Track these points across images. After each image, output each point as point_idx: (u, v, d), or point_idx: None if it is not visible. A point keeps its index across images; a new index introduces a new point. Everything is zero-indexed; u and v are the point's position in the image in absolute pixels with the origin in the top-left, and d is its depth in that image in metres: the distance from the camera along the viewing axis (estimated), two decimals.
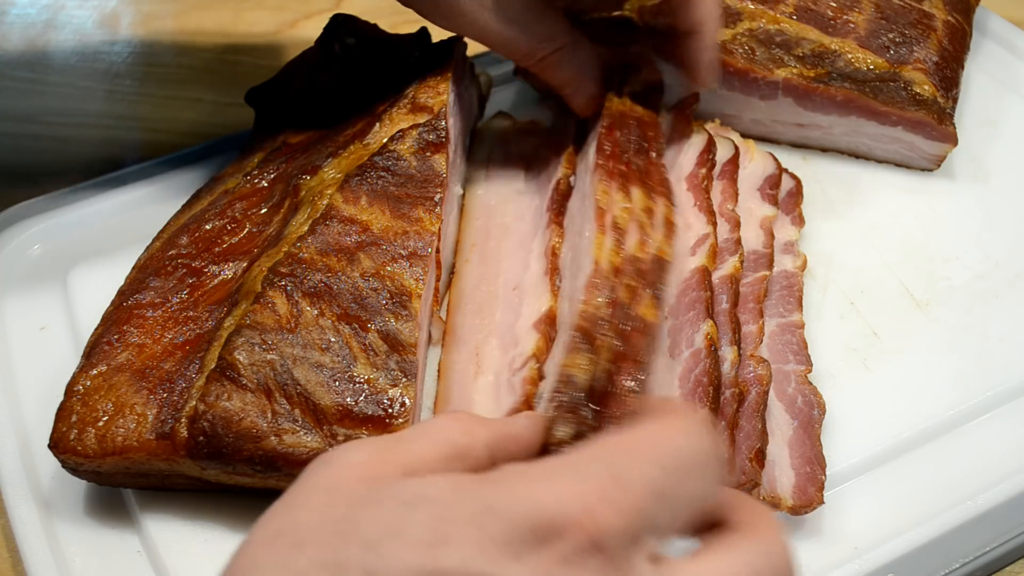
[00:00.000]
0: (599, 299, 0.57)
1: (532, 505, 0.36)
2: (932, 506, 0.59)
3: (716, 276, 0.65)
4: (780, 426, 0.60)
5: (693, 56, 0.70)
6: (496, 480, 0.38)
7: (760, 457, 0.57)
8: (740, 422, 0.59)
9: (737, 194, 0.70)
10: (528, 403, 0.57)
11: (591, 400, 0.54)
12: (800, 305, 0.67)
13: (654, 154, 0.69)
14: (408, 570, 0.35)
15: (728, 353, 0.61)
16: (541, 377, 0.59)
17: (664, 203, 0.65)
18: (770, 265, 0.68)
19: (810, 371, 0.63)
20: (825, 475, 0.58)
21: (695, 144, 0.72)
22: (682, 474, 0.39)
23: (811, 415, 0.60)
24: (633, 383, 0.55)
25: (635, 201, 0.64)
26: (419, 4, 0.65)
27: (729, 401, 0.58)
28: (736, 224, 0.68)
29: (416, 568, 0.35)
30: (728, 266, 0.65)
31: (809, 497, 0.57)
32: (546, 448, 0.52)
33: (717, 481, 0.41)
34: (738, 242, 0.67)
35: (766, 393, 0.60)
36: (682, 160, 0.72)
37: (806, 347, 0.64)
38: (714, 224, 0.67)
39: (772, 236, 0.69)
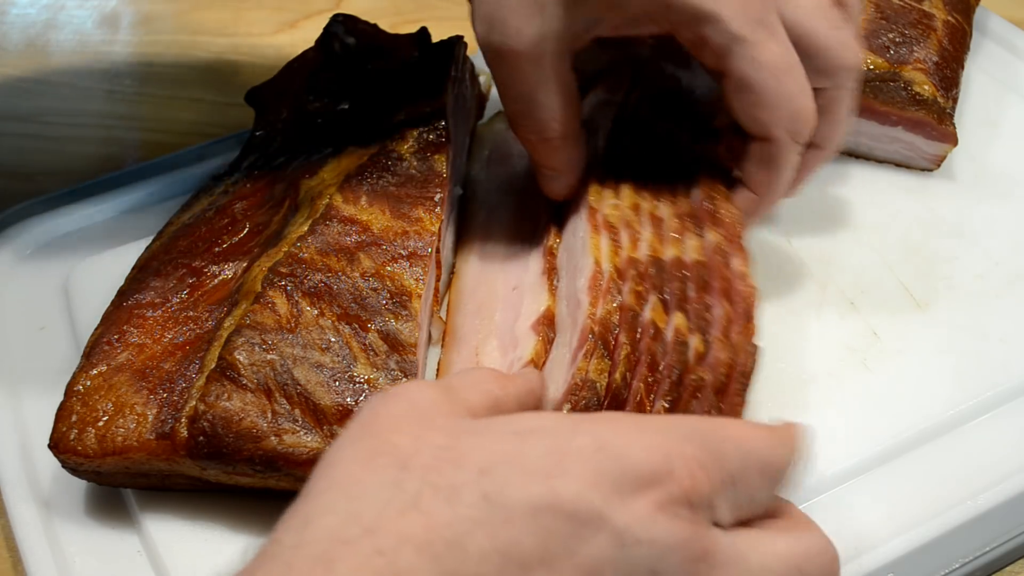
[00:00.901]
0: (611, 303, 0.57)
1: (642, 452, 0.39)
2: (932, 506, 0.59)
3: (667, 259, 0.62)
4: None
5: (746, 209, 0.63)
6: (607, 420, 0.41)
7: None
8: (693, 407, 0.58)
9: (679, 166, 0.67)
10: None
11: (613, 406, 0.55)
12: (741, 243, 0.62)
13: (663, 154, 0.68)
14: (527, 496, 0.36)
15: (692, 341, 0.58)
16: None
17: (649, 197, 0.64)
18: (714, 215, 0.63)
19: (751, 324, 0.59)
20: None
21: None
22: (756, 474, 0.42)
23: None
24: (661, 393, 0.55)
25: (623, 198, 0.64)
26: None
27: (687, 388, 0.56)
28: (677, 196, 0.64)
29: (535, 496, 0.36)
30: (690, 250, 0.61)
31: None
32: None
33: (778, 491, 0.44)
34: (683, 217, 0.63)
35: (725, 376, 0.56)
36: None
37: (751, 294, 0.60)
38: (671, 204, 0.64)
39: (707, 177, 0.65)
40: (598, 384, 0.55)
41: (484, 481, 0.36)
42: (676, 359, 0.57)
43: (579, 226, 0.64)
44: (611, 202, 0.64)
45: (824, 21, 0.58)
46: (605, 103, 0.73)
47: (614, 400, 0.55)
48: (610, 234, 0.61)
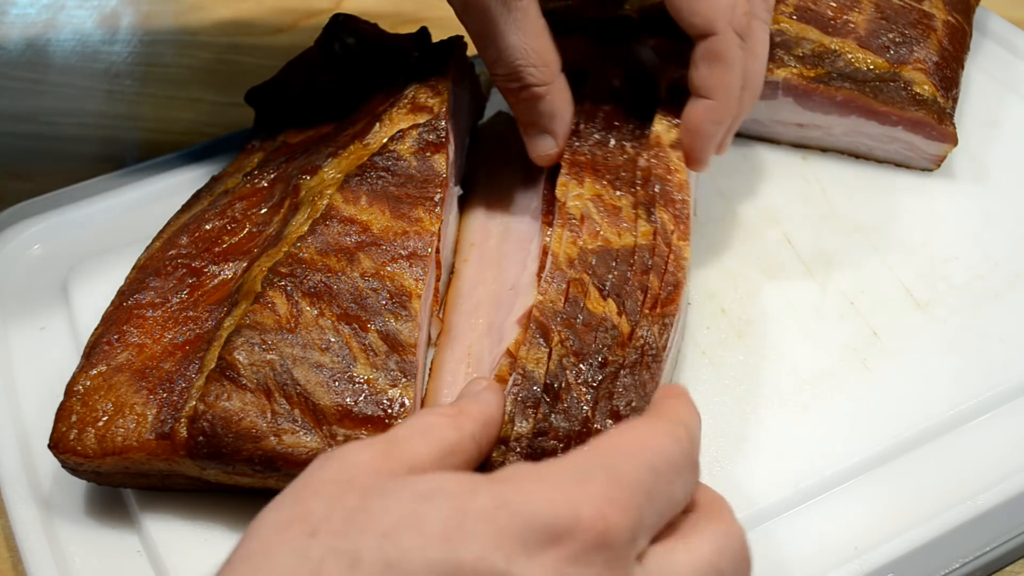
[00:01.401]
0: (552, 292, 0.57)
1: (545, 504, 0.37)
2: (932, 506, 0.59)
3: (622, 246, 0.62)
4: None
5: (692, 121, 0.63)
6: (507, 479, 0.39)
7: (618, 418, 0.55)
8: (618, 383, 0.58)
9: (636, 151, 0.67)
10: None
11: (547, 395, 0.55)
12: (682, 216, 0.63)
13: (626, 144, 0.68)
14: (427, 562, 0.35)
15: (623, 324, 0.58)
16: (511, 371, 0.59)
17: (608, 187, 0.64)
18: (665, 196, 0.63)
19: (674, 295, 0.59)
20: None
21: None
22: (669, 476, 0.41)
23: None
24: (587, 378, 0.55)
25: (585, 189, 0.64)
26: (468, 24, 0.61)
27: (610, 370, 0.57)
28: (634, 184, 0.65)
29: (436, 560, 0.35)
30: (641, 236, 0.62)
31: None
32: (504, 441, 0.53)
33: (693, 484, 0.43)
34: (637, 204, 0.63)
35: (638, 352, 0.57)
36: None
37: (680, 265, 0.60)
38: (631, 194, 0.64)
39: (655, 149, 0.66)
40: (535, 375, 0.55)
41: (386, 546, 0.36)
42: (603, 343, 0.57)
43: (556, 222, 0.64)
44: (575, 192, 0.64)
45: None
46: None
47: (550, 391, 0.55)
48: (569, 225, 0.62)
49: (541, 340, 0.56)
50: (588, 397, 0.55)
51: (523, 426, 0.54)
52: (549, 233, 0.64)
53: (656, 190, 0.64)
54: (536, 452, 0.54)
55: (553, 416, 0.54)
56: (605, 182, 0.65)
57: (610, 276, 0.59)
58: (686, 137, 0.64)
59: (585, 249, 0.61)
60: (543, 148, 0.65)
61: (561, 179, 0.65)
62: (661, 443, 0.41)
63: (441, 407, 0.51)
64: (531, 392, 0.55)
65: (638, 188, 0.65)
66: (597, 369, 0.56)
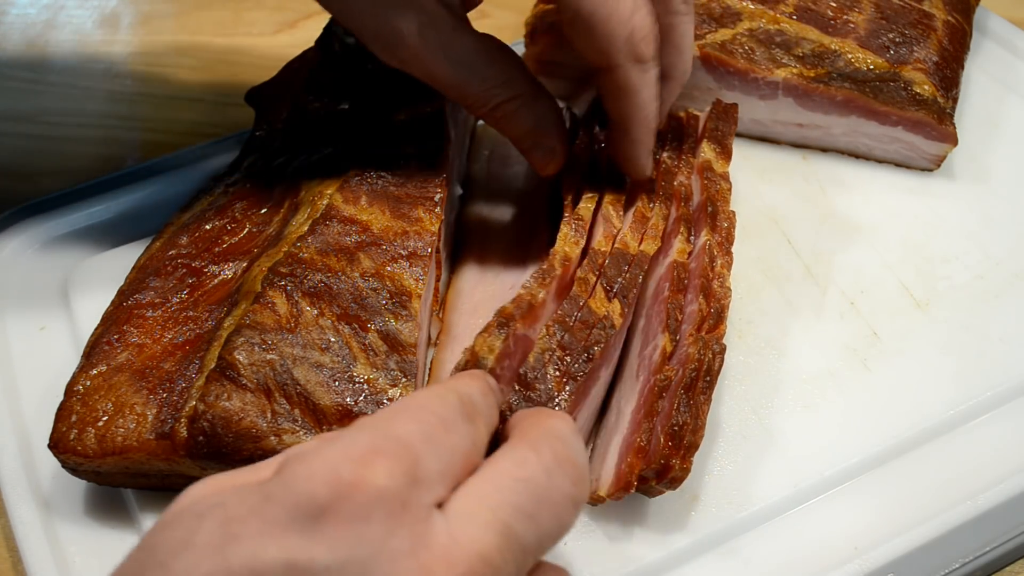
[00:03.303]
0: (537, 288, 0.57)
1: (306, 479, 0.36)
2: (932, 506, 0.59)
3: (664, 264, 0.63)
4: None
5: (619, 148, 0.63)
6: (277, 470, 0.38)
7: (673, 438, 0.55)
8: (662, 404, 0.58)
9: (691, 168, 0.68)
10: None
11: (519, 384, 0.54)
12: (729, 248, 0.64)
13: (665, 156, 0.68)
14: None
15: (660, 340, 0.59)
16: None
17: (641, 197, 0.64)
18: (715, 218, 0.64)
19: (720, 326, 0.60)
20: (696, 438, 0.55)
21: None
22: (442, 425, 0.40)
23: (696, 382, 0.57)
24: (571, 370, 0.55)
25: (601, 194, 0.64)
26: (360, 30, 0.59)
27: (652, 388, 0.57)
28: (682, 200, 0.66)
29: (208, 574, 0.35)
30: (673, 252, 0.63)
31: (674, 472, 0.55)
32: None
33: (475, 432, 0.42)
34: (678, 220, 0.64)
35: (694, 372, 0.57)
36: None
37: (727, 295, 0.61)
38: (664, 203, 0.65)
39: (704, 176, 0.67)
40: (486, 362, 0.53)
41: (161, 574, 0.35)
42: (596, 340, 0.56)
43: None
44: (588, 195, 0.64)
45: None
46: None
47: (523, 384, 0.54)
48: (577, 226, 0.61)
49: (498, 329, 0.54)
50: (568, 389, 0.54)
51: None
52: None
53: (705, 211, 0.64)
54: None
55: (522, 404, 0.53)
56: (633, 191, 0.65)
57: (620, 279, 0.59)
58: (616, 158, 0.64)
59: (596, 250, 0.60)
60: (542, 158, 0.64)
61: (568, 179, 0.65)
62: (424, 399, 0.41)
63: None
64: None
65: (672, 202, 0.66)
66: (583, 363, 0.55)
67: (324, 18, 0.76)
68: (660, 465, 0.55)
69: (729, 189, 0.66)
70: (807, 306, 0.70)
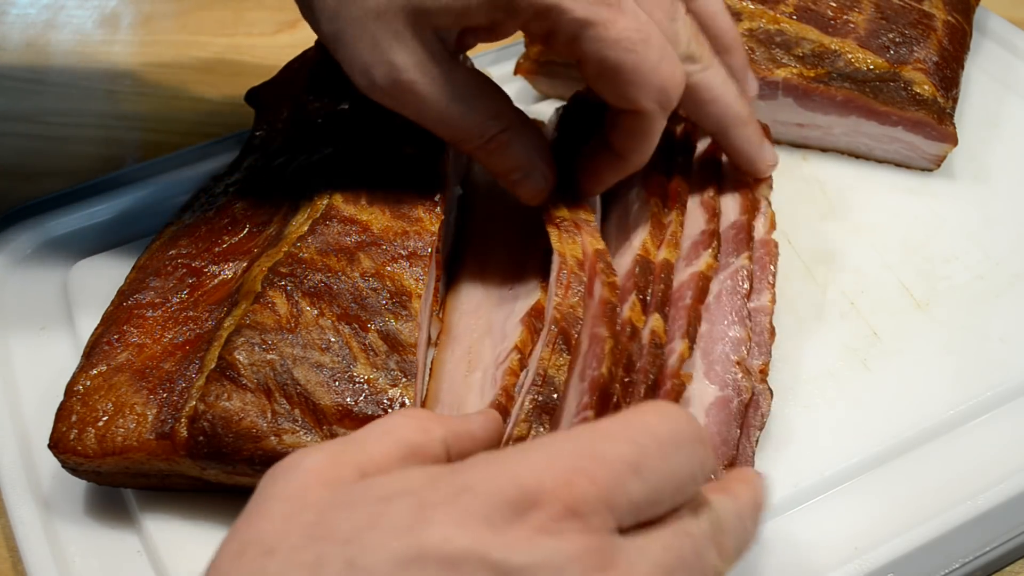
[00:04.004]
0: (574, 295, 0.57)
1: (509, 479, 0.37)
2: (932, 506, 0.59)
3: (687, 272, 0.63)
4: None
5: (611, 172, 0.63)
6: (470, 465, 0.38)
7: (731, 466, 0.57)
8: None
9: (718, 182, 0.69)
10: (508, 393, 0.57)
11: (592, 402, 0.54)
12: (773, 281, 0.65)
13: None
14: (391, 554, 0.35)
15: (678, 345, 0.59)
16: (523, 367, 0.59)
17: (655, 201, 0.65)
18: (749, 240, 0.65)
19: (767, 364, 0.62)
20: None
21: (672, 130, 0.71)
22: (657, 449, 0.39)
23: (753, 417, 0.59)
24: (625, 391, 0.55)
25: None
26: (351, 63, 0.58)
27: (668, 392, 0.57)
28: (713, 214, 0.66)
29: (399, 551, 0.35)
30: (700, 263, 0.63)
31: None
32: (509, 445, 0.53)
33: (702, 461, 0.41)
34: (712, 234, 0.65)
35: (746, 404, 0.59)
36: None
37: (772, 335, 0.63)
38: (679, 211, 0.66)
39: (747, 199, 0.68)
40: (557, 380, 0.54)
41: (348, 549, 0.35)
42: (651, 362, 0.57)
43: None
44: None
45: (658, 11, 0.58)
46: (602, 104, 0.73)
47: (603, 396, 0.54)
48: (570, 228, 0.62)
49: (563, 346, 0.55)
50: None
51: (540, 432, 0.53)
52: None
53: (747, 238, 0.66)
54: None
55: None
56: (647, 192, 0.65)
57: (649, 289, 0.59)
58: (582, 173, 0.64)
59: (598, 250, 0.61)
60: (532, 188, 0.63)
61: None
62: (645, 420, 0.40)
63: (416, 409, 0.50)
64: (550, 399, 0.54)
65: (703, 213, 0.66)
66: (649, 388, 0.56)
67: None
68: None
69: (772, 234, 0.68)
70: (807, 306, 0.70)
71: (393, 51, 0.56)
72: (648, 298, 0.59)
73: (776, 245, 0.67)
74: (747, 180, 0.69)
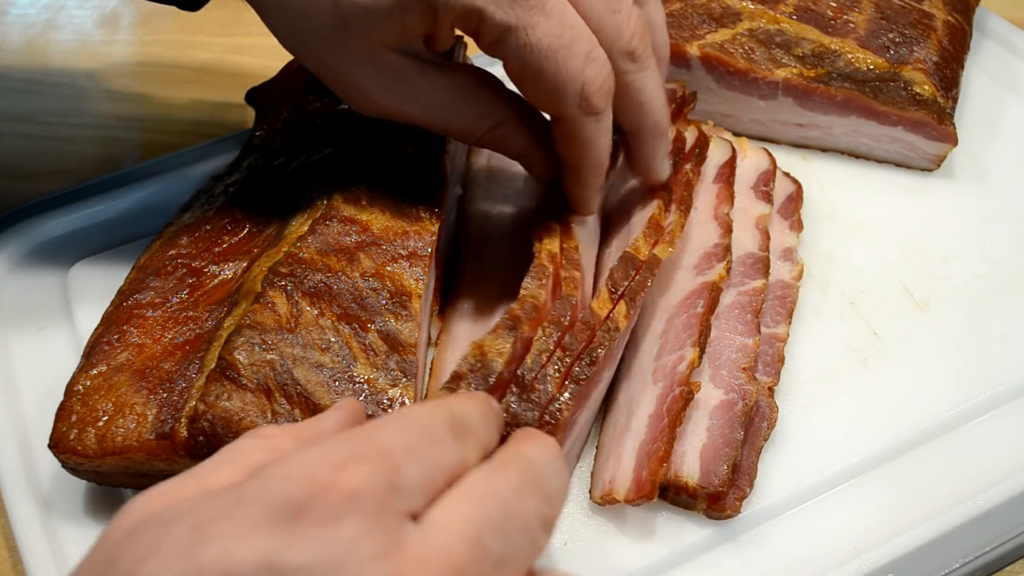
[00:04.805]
0: (537, 289, 0.56)
1: (282, 481, 0.36)
2: (932, 506, 0.59)
3: (698, 281, 0.64)
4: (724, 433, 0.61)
5: (570, 187, 0.62)
6: (250, 476, 0.38)
7: (734, 469, 0.58)
8: (689, 415, 0.59)
9: (732, 197, 0.70)
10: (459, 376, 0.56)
11: (515, 385, 0.53)
12: (789, 318, 0.66)
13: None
14: None
15: (688, 353, 0.60)
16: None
17: (657, 204, 0.65)
18: (766, 272, 0.67)
19: (775, 384, 0.63)
20: (750, 489, 0.58)
21: (687, 141, 0.72)
22: (431, 430, 0.39)
23: (758, 427, 0.60)
24: (574, 373, 0.54)
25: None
26: (328, 84, 0.59)
27: (677, 398, 0.58)
28: (728, 229, 0.67)
29: (179, 573, 0.34)
30: (713, 273, 0.65)
31: (727, 506, 0.57)
32: None
33: (488, 427, 0.42)
34: (727, 248, 0.66)
35: (750, 408, 0.60)
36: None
37: (780, 361, 0.64)
38: (683, 213, 0.65)
39: (767, 237, 0.69)
40: (495, 365, 0.53)
41: None
42: (600, 343, 0.56)
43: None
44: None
45: (600, 2, 0.56)
46: None
47: (520, 385, 0.53)
48: (550, 225, 0.62)
49: (507, 332, 0.54)
50: (569, 391, 0.54)
51: None
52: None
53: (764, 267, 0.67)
54: None
55: (520, 405, 0.53)
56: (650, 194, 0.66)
57: (626, 282, 0.59)
58: (565, 192, 0.63)
59: (565, 248, 0.61)
60: (536, 170, 0.63)
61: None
62: (413, 412, 0.41)
63: (264, 427, 0.47)
64: (484, 381, 0.52)
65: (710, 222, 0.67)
66: (587, 366, 0.55)
67: None
68: (716, 492, 0.56)
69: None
70: (807, 306, 0.70)
71: (359, 78, 0.57)
72: (620, 290, 0.59)
73: (798, 290, 0.68)
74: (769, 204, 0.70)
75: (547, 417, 0.53)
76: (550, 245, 0.60)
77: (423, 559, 0.36)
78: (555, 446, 0.44)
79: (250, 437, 0.42)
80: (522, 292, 0.56)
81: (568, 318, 0.56)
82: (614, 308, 0.57)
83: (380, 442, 0.38)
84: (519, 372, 0.54)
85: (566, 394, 0.54)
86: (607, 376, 0.60)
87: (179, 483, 0.39)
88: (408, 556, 0.36)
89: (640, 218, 0.65)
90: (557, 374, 0.54)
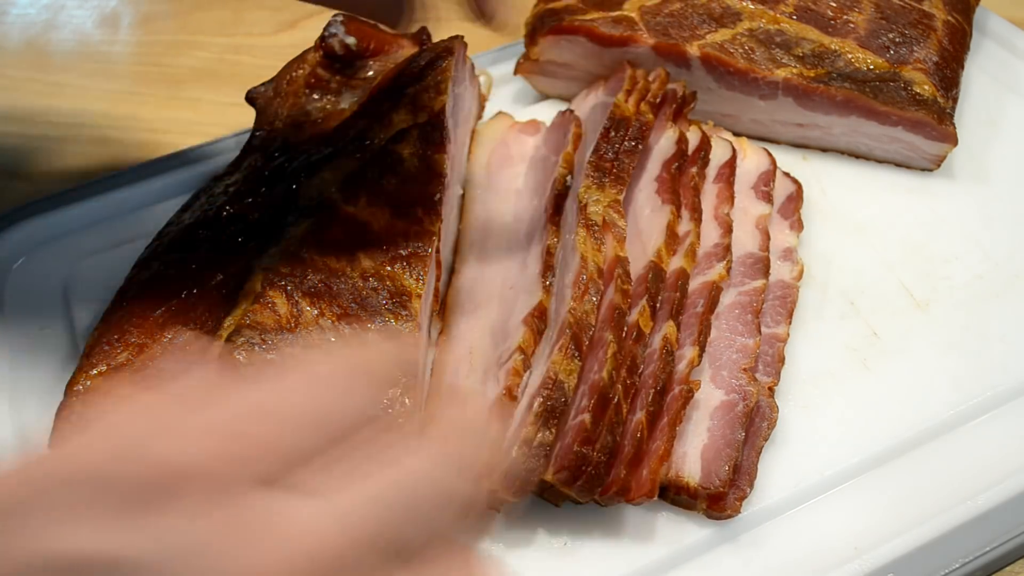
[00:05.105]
0: (588, 301, 0.57)
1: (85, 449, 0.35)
2: (932, 506, 0.59)
3: (699, 281, 0.64)
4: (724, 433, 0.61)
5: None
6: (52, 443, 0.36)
7: (735, 469, 0.58)
8: (690, 415, 0.60)
9: (732, 198, 0.70)
10: (511, 394, 0.57)
11: (594, 404, 0.55)
12: (789, 318, 0.66)
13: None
14: None
15: (688, 352, 0.60)
16: (526, 368, 0.59)
17: (670, 210, 0.65)
18: (766, 272, 0.67)
19: (775, 384, 0.63)
20: (750, 489, 0.58)
21: (689, 142, 0.72)
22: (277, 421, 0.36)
23: (759, 427, 0.60)
24: (627, 392, 0.56)
25: (604, 195, 0.65)
26: None
27: (676, 397, 0.58)
28: (728, 229, 0.67)
29: None
30: (713, 273, 0.65)
31: (727, 506, 0.58)
32: (527, 443, 0.53)
33: (363, 397, 0.38)
34: (727, 248, 0.66)
35: (750, 408, 0.60)
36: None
37: (781, 361, 0.64)
38: (696, 222, 0.67)
39: (767, 237, 0.69)
40: (566, 384, 0.55)
41: None
42: (661, 368, 0.57)
43: (576, 224, 0.64)
44: (594, 198, 0.64)
45: None
46: (603, 105, 0.73)
47: (601, 399, 0.55)
48: (599, 232, 0.62)
49: (576, 352, 0.56)
50: (642, 420, 0.56)
51: (546, 436, 0.54)
52: (571, 235, 0.64)
53: (764, 269, 0.67)
54: (578, 462, 0.54)
55: (600, 427, 0.54)
56: (661, 201, 0.66)
57: (661, 297, 0.60)
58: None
59: (619, 257, 0.61)
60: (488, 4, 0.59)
61: (586, 181, 0.66)
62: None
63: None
64: (559, 403, 0.55)
65: (719, 228, 0.67)
66: (656, 395, 0.57)
67: (324, 18, 0.76)
68: (717, 492, 0.57)
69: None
70: (807, 306, 0.70)
71: None
72: (659, 305, 0.60)
73: (798, 290, 0.68)
74: (769, 204, 0.71)
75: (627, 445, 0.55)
76: (596, 257, 0.61)
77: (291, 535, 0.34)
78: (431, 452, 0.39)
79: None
80: (569, 304, 0.58)
81: (627, 332, 0.58)
82: (662, 329, 0.59)
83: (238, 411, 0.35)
84: (599, 393, 0.55)
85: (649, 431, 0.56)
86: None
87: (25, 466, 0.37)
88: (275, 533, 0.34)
89: (652, 220, 0.66)
90: (627, 400, 0.56)
